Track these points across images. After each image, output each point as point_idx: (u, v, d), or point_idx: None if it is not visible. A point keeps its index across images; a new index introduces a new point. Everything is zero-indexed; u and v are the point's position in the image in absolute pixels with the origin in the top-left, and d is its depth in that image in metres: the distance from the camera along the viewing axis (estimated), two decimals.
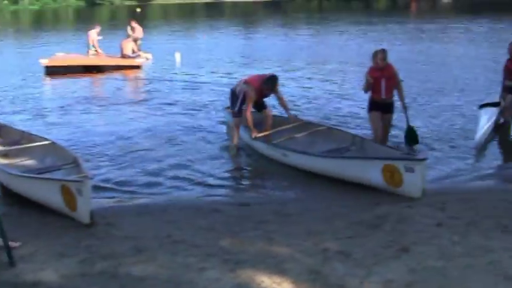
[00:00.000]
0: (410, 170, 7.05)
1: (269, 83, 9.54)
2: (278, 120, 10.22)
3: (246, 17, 58.38)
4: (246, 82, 9.74)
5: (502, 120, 11.11)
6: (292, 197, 8.05)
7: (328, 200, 7.58)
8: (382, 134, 9.31)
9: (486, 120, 10.46)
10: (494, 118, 10.61)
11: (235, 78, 14.82)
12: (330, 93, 15.56)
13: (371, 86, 9.09)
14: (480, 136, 9.84)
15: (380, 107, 9.20)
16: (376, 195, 7.48)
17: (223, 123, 11.57)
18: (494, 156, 9.77)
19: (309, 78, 18.21)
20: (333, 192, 7.92)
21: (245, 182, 9.02)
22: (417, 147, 9.60)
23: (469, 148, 9.87)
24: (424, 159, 7.21)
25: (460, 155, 9.52)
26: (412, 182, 7.10)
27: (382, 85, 9.00)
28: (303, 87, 16.52)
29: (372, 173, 7.51)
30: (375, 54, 9.06)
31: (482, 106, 11.45)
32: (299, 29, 41.44)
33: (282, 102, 10.00)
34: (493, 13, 55.96)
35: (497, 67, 18.66)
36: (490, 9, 63.52)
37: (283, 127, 9.88)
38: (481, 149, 9.77)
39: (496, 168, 9.16)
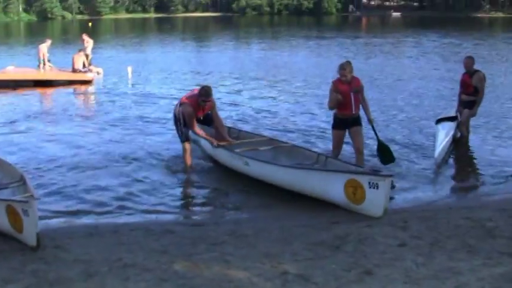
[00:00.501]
0: (374, 186, 6.74)
1: (203, 94, 9.27)
2: (242, 135, 10.11)
3: (198, 31, 58.14)
4: (181, 103, 9.54)
5: (459, 135, 11.11)
6: (248, 217, 7.74)
7: (285, 219, 7.27)
8: (339, 151, 9.08)
9: (444, 136, 10.40)
10: (451, 133, 10.58)
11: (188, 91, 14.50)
12: (282, 106, 15.62)
13: (339, 101, 8.51)
14: (439, 152, 9.74)
15: (347, 124, 8.70)
16: (334, 213, 7.24)
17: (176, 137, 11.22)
18: (453, 172, 9.71)
19: (261, 91, 18.30)
20: (289, 211, 7.64)
21: (199, 201, 8.59)
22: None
23: (428, 164, 9.77)
24: (389, 176, 6.89)
25: (419, 172, 9.38)
26: (375, 200, 6.78)
27: (351, 100, 8.49)
28: (256, 100, 16.55)
29: (334, 187, 7.18)
30: (342, 67, 8.48)
31: (439, 121, 11.42)
32: (251, 43, 41.48)
33: (217, 123, 9.76)
34: (441, 28, 57.66)
35: (450, 81, 19.14)
36: (438, 25, 65.53)
37: (247, 140, 9.73)
38: (441, 165, 9.66)
39: (455, 185, 9.09)
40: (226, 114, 10.21)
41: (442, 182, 9.06)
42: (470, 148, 10.90)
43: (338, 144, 8.92)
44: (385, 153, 9.13)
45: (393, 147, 10.68)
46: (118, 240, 6.56)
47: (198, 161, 9.88)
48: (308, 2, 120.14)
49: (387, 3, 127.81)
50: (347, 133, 8.88)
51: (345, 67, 8.43)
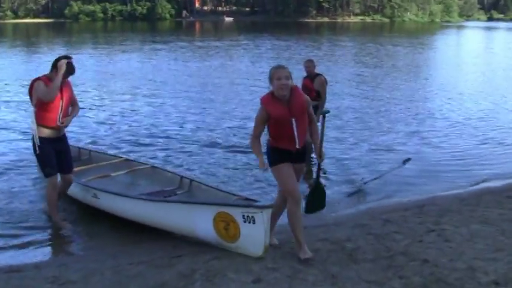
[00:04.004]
0: (249, 220, 5.49)
1: None
2: (94, 156, 8.75)
3: (29, 38, 54.28)
4: None
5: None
6: (74, 257, 6.42)
7: (117, 256, 6.08)
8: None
9: None
10: None
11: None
12: (123, 116, 14.55)
13: (277, 132, 5.52)
14: None
15: (292, 157, 5.60)
16: (175, 243, 6.22)
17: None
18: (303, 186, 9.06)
19: (101, 102, 16.83)
20: (121, 245, 6.48)
21: (18, 240, 6.90)
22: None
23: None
24: (267, 207, 5.49)
25: (266, 188, 8.65)
26: (252, 236, 5.51)
27: (293, 128, 5.46)
28: (99, 112, 15.15)
29: (201, 222, 5.95)
30: (278, 73, 5.39)
31: None
32: (85, 48, 39.30)
33: None
34: (272, 32, 59.34)
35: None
36: (269, 29, 67.46)
37: (99, 164, 8.36)
38: None
39: (305, 199, 8.39)
40: (72, 134, 8.66)
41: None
42: (314, 157, 10.43)
43: (292, 186, 5.57)
44: (319, 198, 6.83)
45: (236, 163, 10.03)
46: None
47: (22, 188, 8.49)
48: (142, 7, 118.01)
49: (220, 8, 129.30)
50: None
51: (279, 72, 5.41)
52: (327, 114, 8.09)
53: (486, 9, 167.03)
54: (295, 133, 5.41)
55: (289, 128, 5.40)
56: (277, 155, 5.50)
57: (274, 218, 5.76)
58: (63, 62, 6.63)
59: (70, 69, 6.69)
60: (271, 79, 5.38)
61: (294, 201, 5.48)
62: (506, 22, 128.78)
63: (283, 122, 5.37)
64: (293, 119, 5.38)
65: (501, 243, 5.93)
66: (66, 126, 6.95)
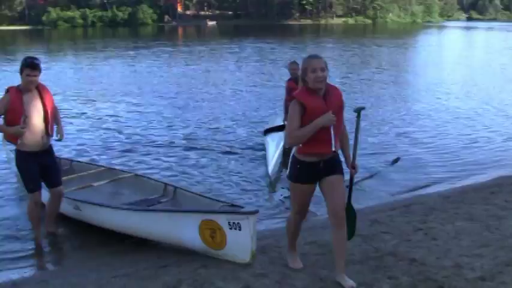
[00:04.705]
0: (236, 226, 5.44)
1: None
2: (75, 167, 8.56)
3: (5, 46, 53.72)
4: None
5: (288, 145, 10.60)
6: (55, 272, 6.19)
7: (100, 269, 5.88)
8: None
9: (275, 147, 9.80)
10: (282, 143, 10.00)
11: None
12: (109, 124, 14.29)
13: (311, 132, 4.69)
14: (273, 166, 9.09)
15: (315, 172, 4.87)
16: (159, 253, 6.10)
17: None
18: (287, 189, 8.96)
19: (83, 109, 16.57)
20: (104, 258, 6.32)
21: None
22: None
23: (260, 179, 9.09)
24: (253, 213, 5.42)
25: (254, 192, 8.64)
26: (239, 243, 5.45)
27: (330, 128, 4.74)
28: (81, 120, 14.90)
29: (187, 231, 5.85)
30: (312, 64, 4.67)
31: (267, 131, 10.85)
32: (65, 55, 39.03)
33: None
34: (256, 35, 59.36)
35: (275, 87, 19.21)
36: (253, 32, 67.47)
37: (80, 174, 8.17)
38: (275, 182, 8.98)
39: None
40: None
41: (278, 202, 8.33)
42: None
43: (303, 208, 5.15)
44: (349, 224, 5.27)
45: (223, 165, 10.01)
46: None
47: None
48: (123, 13, 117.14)
49: (203, 12, 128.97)
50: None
51: (310, 64, 4.70)
52: (362, 111, 5.56)
53: (465, 10, 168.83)
54: (332, 131, 4.71)
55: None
56: (301, 171, 4.85)
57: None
58: (21, 131, 6.19)
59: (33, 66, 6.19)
60: (305, 71, 4.69)
61: (297, 220, 5.19)
62: (485, 22, 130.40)
63: (319, 116, 4.65)
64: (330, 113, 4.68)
65: (486, 238, 5.98)
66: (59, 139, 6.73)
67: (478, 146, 11.68)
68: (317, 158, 4.77)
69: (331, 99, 4.73)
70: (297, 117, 4.67)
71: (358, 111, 5.30)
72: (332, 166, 4.84)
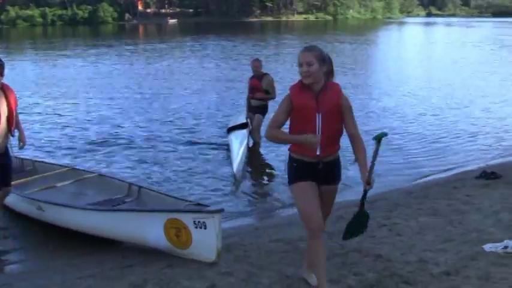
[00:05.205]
0: (201, 225, 5.41)
1: None
2: (38, 167, 8.41)
3: None
4: None
5: (252, 143, 10.60)
6: (19, 275, 5.99)
7: (65, 270, 5.78)
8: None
9: (238, 145, 9.77)
10: (245, 142, 9.99)
11: None
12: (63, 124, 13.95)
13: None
14: (238, 164, 9.07)
15: (314, 172, 4.45)
16: (124, 253, 6.02)
17: None
18: (252, 187, 9.01)
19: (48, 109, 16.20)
20: (69, 259, 6.19)
21: None
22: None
23: (225, 177, 9.03)
24: (218, 212, 5.41)
25: (218, 190, 8.59)
26: (204, 242, 5.42)
27: (317, 126, 4.32)
28: (44, 119, 14.54)
29: (152, 230, 5.79)
30: (300, 58, 4.33)
31: (230, 130, 10.81)
32: (25, 55, 38.31)
33: None
34: (218, 33, 59.28)
35: (238, 84, 19.20)
36: (214, 30, 67.35)
37: (43, 175, 8.01)
38: (240, 180, 8.95)
39: (258, 201, 8.34)
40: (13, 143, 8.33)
41: (243, 200, 8.31)
42: (264, 156, 10.42)
43: (312, 209, 4.36)
44: (361, 223, 5.00)
45: (187, 164, 9.95)
46: None
47: None
48: (83, 11, 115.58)
49: (163, 10, 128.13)
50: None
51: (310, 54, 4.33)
52: (383, 138, 4.89)
53: (425, 6, 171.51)
54: (318, 134, 4.26)
55: (312, 125, 4.26)
56: (299, 170, 4.41)
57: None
58: None
59: None
60: (298, 65, 4.33)
61: (311, 234, 4.32)
62: (444, 17, 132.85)
63: (306, 115, 4.27)
64: (318, 115, 4.28)
65: (450, 233, 6.04)
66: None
67: (442, 142, 11.83)
68: (315, 159, 4.37)
69: (326, 97, 4.30)
70: (283, 112, 4.33)
71: (379, 138, 4.65)
72: (331, 172, 4.51)
